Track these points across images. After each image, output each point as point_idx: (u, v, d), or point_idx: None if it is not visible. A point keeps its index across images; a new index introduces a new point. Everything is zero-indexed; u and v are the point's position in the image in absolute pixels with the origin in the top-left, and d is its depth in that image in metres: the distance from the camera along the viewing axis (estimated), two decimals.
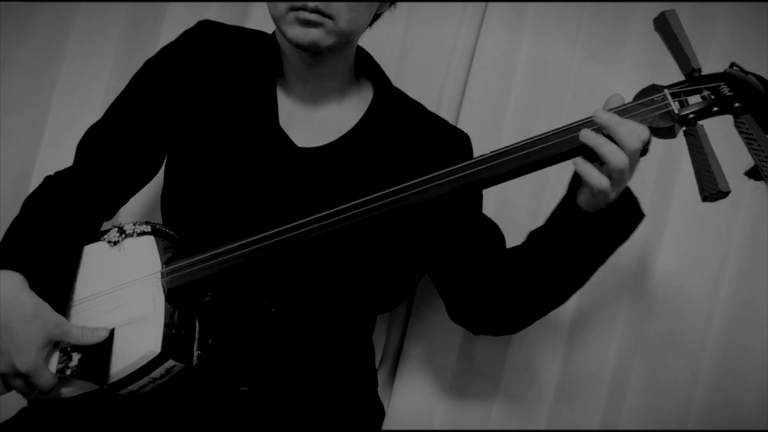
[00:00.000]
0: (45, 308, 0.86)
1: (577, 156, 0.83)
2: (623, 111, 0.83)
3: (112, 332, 0.87)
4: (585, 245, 0.89)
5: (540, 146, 0.84)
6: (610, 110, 0.84)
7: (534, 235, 0.95)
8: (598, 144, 0.81)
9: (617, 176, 0.81)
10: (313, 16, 0.88)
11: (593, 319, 1.29)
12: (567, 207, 0.89)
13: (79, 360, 0.86)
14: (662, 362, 1.27)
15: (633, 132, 0.80)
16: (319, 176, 0.99)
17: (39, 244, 0.92)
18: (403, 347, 1.34)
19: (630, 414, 1.28)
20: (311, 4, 0.87)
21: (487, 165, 0.86)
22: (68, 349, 0.86)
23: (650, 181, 1.27)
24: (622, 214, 0.88)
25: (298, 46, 0.92)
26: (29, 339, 0.83)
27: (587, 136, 0.82)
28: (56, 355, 0.86)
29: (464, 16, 1.32)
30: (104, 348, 0.87)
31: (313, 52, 0.93)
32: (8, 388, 0.86)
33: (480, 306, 1.01)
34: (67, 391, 0.87)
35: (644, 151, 0.82)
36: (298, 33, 0.90)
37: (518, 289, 0.96)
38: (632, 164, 0.81)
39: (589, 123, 0.84)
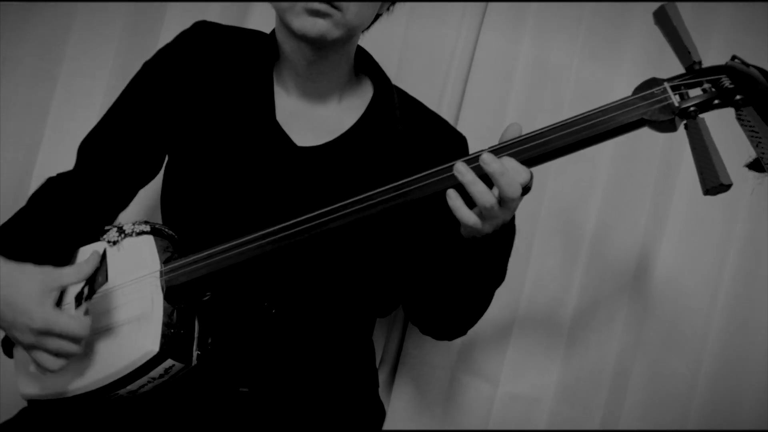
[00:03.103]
0: (26, 266, 0.86)
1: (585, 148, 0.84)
2: (515, 144, 0.83)
3: (104, 254, 0.88)
4: (468, 266, 0.91)
5: (537, 142, 0.84)
6: (504, 143, 0.84)
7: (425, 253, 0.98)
8: (468, 182, 0.81)
9: (486, 213, 0.81)
10: (323, 7, 0.88)
11: (593, 319, 1.29)
12: (451, 233, 0.90)
13: (88, 288, 0.86)
14: (662, 362, 1.27)
15: (513, 182, 0.80)
16: (319, 175, 0.99)
17: (34, 238, 0.92)
18: (403, 347, 1.35)
19: (630, 414, 1.28)
20: None
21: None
22: (77, 293, 0.87)
23: (651, 181, 1.27)
24: (500, 239, 0.89)
25: (305, 38, 0.91)
26: (26, 296, 0.83)
27: (459, 170, 0.82)
28: (72, 304, 0.87)
29: (464, 16, 1.32)
30: (102, 267, 0.88)
31: (318, 45, 0.93)
32: (60, 356, 0.84)
33: (419, 310, 1.04)
34: (81, 385, 0.87)
35: (526, 189, 0.82)
36: (306, 24, 0.89)
37: (430, 301, 0.99)
38: (506, 207, 0.81)
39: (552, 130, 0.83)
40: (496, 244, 0.89)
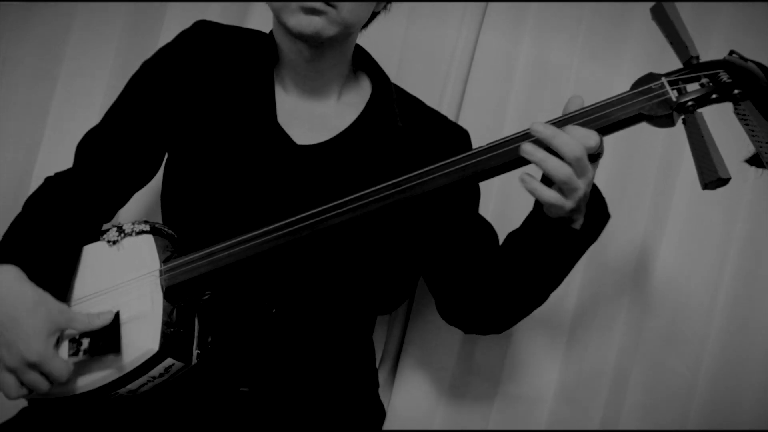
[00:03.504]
0: (46, 297, 0.86)
1: None
2: (578, 116, 0.83)
3: (117, 315, 0.87)
4: (554, 248, 0.89)
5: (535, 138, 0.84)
6: (564, 115, 0.84)
7: (510, 237, 0.96)
8: (539, 160, 0.80)
9: (565, 187, 0.81)
10: (318, 4, 0.89)
11: (593, 319, 1.29)
12: (536, 212, 0.90)
13: (90, 342, 0.86)
14: (662, 362, 1.27)
15: (570, 142, 0.79)
16: (319, 173, 0.99)
17: (37, 242, 0.92)
18: (403, 347, 1.34)
19: (630, 414, 1.28)
20: None
21: (485, 156, 0.85)
22: (77, 337, 0.86)
23: (650, 181, 1.27)
24: (589, 217, 0.88)
25: (301, 36, 0.92)
26: (35, 327, 0.83)
27: (527, 150, 0.81)
28: (65, 344, 0.86)
29: (464, 16, 1.32)
30: (112, 329, 0.87)
31: (314, 43, 0.94)
32: (26, 388, 0.84)
33: (469, 305, 1.01)
34: (79, 385, 0.87)
35: (596, 155, 0.82)
36: (302, 21, 0.90)
37: (499, 288, 0.96)
38: (579, 172, 0.80)
39: (573, 118, 0.83)
40: (588, 223, 0.88)
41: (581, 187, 0.81)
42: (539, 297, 0.97)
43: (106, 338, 0.86)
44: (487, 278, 0.97)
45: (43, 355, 0.82)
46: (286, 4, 0.90)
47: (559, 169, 0.79)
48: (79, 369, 0.87)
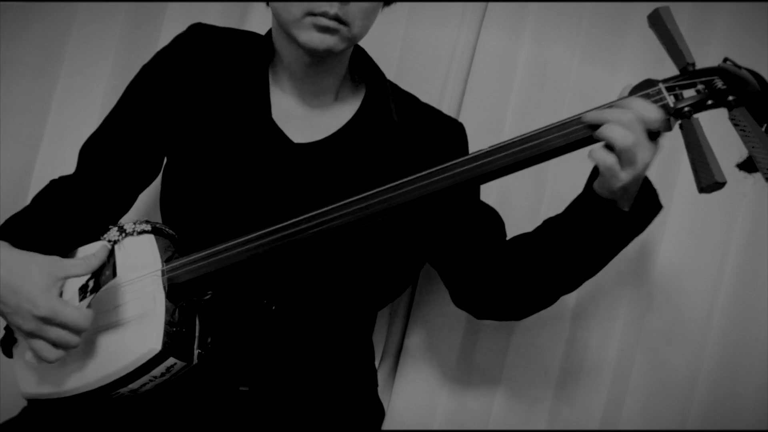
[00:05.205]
0: (35, 255, 0.86)
1: (574, 150, 0.84)
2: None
3: (112, 248, 0.89)
4: (599, 232, 0.89)
5: (538, 140, 0.85)
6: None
7: (550, 221, 0.95)
8: (603, 125, 0.81)
9: (625, 156, 0.81)
10: (332, 23, 0.89)
11: (593, 319, 1.29)
12: (584, 194, 0.90)
13: (93, 281, 0.87)
14: (662, 361, 1.27)
15: (621, 112, 0.81)
16: (316, 172, 0.99)
17: (35, 233, 0.92)
18: (403, 347, 1.34)
19: (630, 414, 1.28)
20: (332, 12, 0.88)
21: (486, 160, 0.85)
22: (81, 285, 0.87)
23: (651, 179, 1.27)
24: (638, 203, 0.88)
25: (312, 51, 0.93)
26: (33, 284, 0.83)
27: (589, 117, 0.83)
28: (75, 296, 0.87)
29: (464, 17, 1.32)
30: (110, 262, 0.89)
31: (322, 56, 0.95)
32: (60, 348, 0.84)
33: (484, 291, 1.01)
34: (80, 384, 0.87)
35: (656, 133, 0.82)
36: (315, 39, 0.90)
37: (528, 275, 0.95)
38: (639, 142, 0.80)
39: (572, 122, 0.84)
40: (637, 203, 0.88)
41: (638, 161, 0.81)
42: (572, 283, 0.96)
43: (107, 270, 0.87)
44: (506, 263, 0.97)
45: (52, 307, 0.82)
46: (298, 19, 0.90)
47: (619, 132, 0.80)
48: (79, 366, 0.87)
